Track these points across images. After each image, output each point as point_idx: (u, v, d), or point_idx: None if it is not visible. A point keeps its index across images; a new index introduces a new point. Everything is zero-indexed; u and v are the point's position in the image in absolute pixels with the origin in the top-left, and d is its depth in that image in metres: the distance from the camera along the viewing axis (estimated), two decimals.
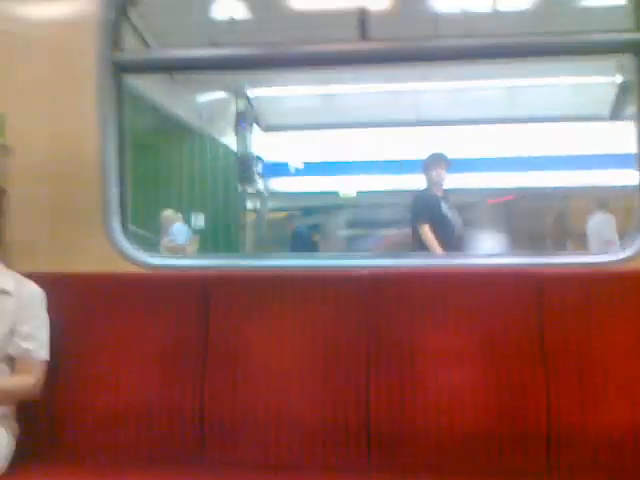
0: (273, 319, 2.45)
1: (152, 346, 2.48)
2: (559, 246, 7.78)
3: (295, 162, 10.85)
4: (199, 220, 9.65)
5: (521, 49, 2.73)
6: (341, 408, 2.34)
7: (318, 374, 2.38)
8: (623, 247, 2.55)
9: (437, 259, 2.72)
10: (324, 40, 2.77)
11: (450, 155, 5.87)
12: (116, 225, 2.73)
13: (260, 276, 2.55)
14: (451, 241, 5.47)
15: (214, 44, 2.88)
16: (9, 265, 2.47)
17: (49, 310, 2.42)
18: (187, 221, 9.24)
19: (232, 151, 10.48)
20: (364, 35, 2.65)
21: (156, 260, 2.76)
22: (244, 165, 10.61)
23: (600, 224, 7.64)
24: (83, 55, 2.73)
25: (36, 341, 2.35)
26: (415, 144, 7.59)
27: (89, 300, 2.56)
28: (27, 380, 2.31)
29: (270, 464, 2.33)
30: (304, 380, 2.38)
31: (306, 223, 10.83)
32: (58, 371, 2.43)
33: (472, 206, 8.20)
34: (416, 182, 6.15)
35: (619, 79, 7.91)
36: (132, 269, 2.68)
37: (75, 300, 2.55)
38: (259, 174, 10.97)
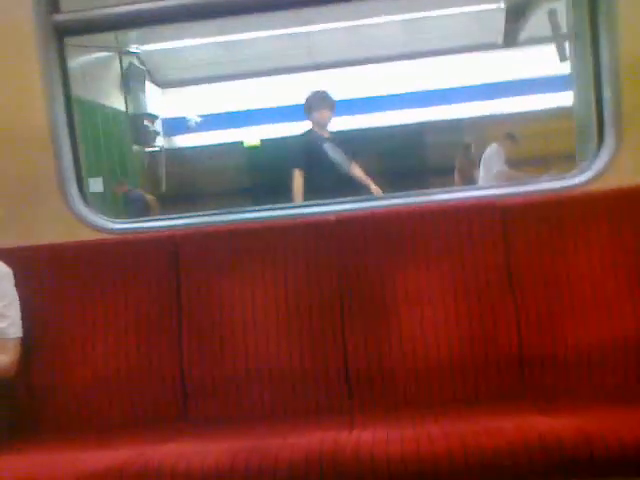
0: (244, 273, 2.46)
1: (126, 311, 2.46)
2: (466, 177, 7.96)
3: (196, 116, 10.61)
4: (97, 184, 9.31)
5: None
6: (319, 353, 2.38)
7: (293, 323, 2.41)
8: (582, 170, 2.58)
9: (400, 199, 2.75)
10: None
11: (351, 95, 5.68)
12: (74, 193, 2.68)
13: (227, 231, 2.55)
14: (335, 183, 5.14)
15: None
16: None
17: (17, 286, 2.38)
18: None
19: (123, 112, 10.11)
20: None
21: (118, 224, 2.73)
22: (137, 125, 10.31)
23: (491, 156, 7.83)
24: (21, 20, 2.61)
25: (7, 319, 2.32)
26: (316, 87, 7.57)
27: (57, 272, 2.52)
28: (1, 359, 2.28)
29: (254, 415, 2.36)
30: (280, 330, 2.40)
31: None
32: (33, 346, 2.41)
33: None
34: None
35: (503, 4, 8.00)
36: (95, 235, 2.64)
37: (43, 273, 2.51)
38: (157, 132, 10.69)
